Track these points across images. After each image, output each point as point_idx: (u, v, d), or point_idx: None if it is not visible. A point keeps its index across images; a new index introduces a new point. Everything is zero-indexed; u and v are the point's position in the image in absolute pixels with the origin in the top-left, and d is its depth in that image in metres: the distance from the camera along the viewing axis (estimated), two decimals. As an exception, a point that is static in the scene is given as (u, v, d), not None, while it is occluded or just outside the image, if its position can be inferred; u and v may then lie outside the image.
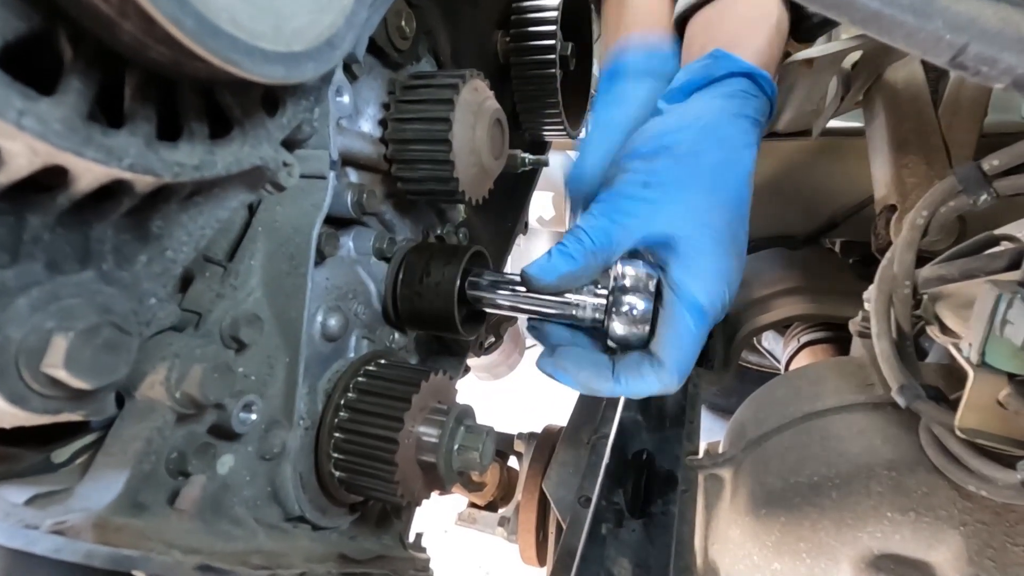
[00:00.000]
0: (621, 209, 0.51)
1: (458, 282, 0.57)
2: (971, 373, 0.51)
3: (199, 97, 0.28)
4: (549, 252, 0.52)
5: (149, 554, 0.34)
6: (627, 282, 0.52)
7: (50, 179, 0.24)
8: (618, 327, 0.53)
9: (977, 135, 0.92)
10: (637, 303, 0.52)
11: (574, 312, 0.55)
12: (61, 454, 0.38)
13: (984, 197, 0.60)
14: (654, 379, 0.49)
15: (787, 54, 1.02)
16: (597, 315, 0.54)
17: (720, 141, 0.50)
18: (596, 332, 0.57)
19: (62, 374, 0.26)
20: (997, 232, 0.60)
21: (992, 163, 0.59)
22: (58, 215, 0.26)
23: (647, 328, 0.52)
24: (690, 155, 0.50)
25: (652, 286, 0.52)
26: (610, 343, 0.54)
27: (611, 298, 0.53)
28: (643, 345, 0.53)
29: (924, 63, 0.95)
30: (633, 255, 0.54)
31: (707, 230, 0.49)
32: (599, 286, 0.55)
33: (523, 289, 0.56)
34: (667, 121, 0.53)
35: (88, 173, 0.23)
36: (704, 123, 0.50)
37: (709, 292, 0.49)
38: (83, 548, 0.32)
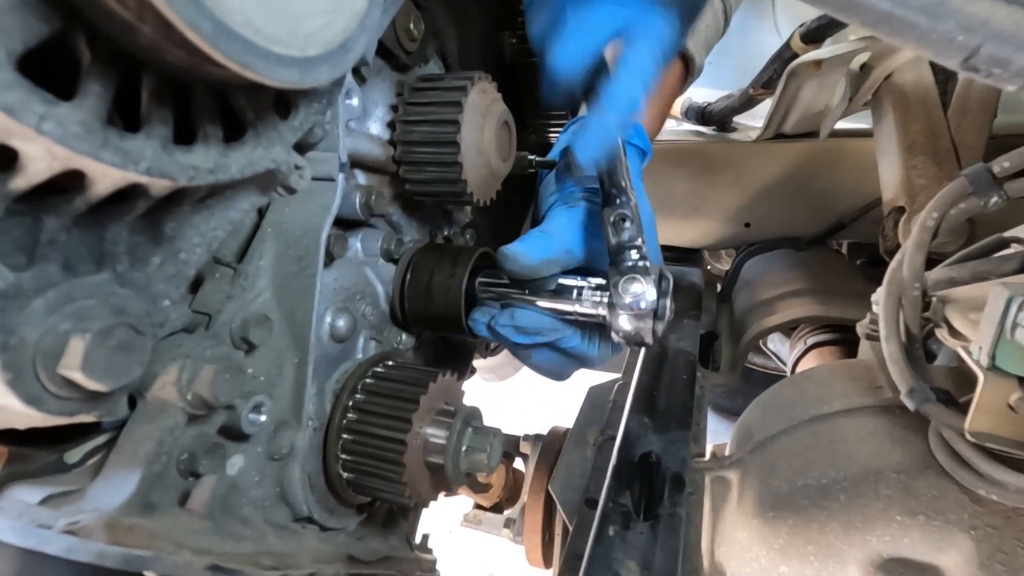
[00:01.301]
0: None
1: (465, 283, 0.58)
2: (981, 376, 0.51)
3: (213, 101, 0.28)
4: (530, 237, 0.56)
5: (160, 554, 0.34)
6: (629, 275, 0.50)
7: (67, 182, 0.24)
8: (624, 321, 0.49)
9: (987, 136, 0.91)
10: (644, 292, 0.49)
11: (576, 308, 0.53)
12: (74, 455, 0.38)
13: (994, 199, 0.60)
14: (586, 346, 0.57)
15: (794, 55, 1.02)
16: (600, 311, 0.52)
17: None
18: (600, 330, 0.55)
19: (78, 376, 0.26)
20: (1007, 234, 0.60)
21: (1003, 165, 0.59)
22: (74, 217, 0.27)
23: (651, 322, 0.49)
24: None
25: (656, 274, 0.49)
26: (615, 338, 0.51)
27: (612, 291, 0.50)
28: (651, 341, 0.50)
29: (933, 64, 0.94)
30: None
31: None
32: (601, 288, 0.53)
33: (529, 291, 0.56)
34: None
35: (105, 177, 0.23)
36: None
37: None
38: (95, 548, 0.32)
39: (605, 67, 0.53)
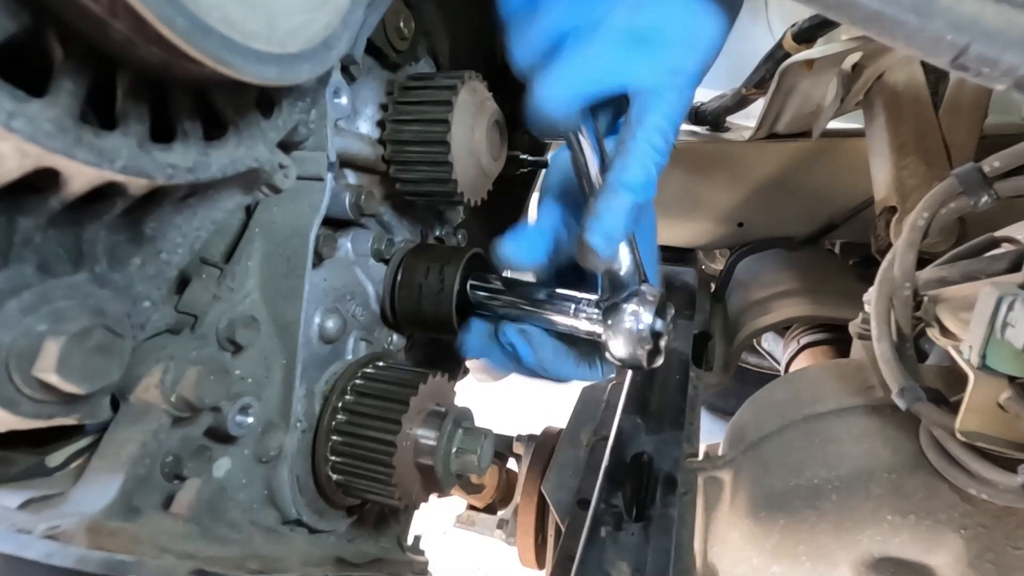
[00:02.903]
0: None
1: (457, 284, 0.57)
2: (971, 376, 0.51)
3: (192, 98, 0.27)
4: (525, 234, 0.52)
5: (143, 559, 0.33)
6: (629, 297, 0.48)
7: (42, 181, 0.23)
8: (619, 346, 0.47)
9: (977, 136, 0.92)
10: (642, 316, 0.47)
11: (571, 322, 0.53)
12: (55, 458, 0.38)
13: (984, 199, 0.60)
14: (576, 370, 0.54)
15: (786, 54, 1.02)
16: (597, 328, 0.50)
17: None
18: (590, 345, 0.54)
19: (54, 379, 0.25)
20: (998, 234, 0.60)
21: (993, 165, 0.59)
22: (50, 217, 0.26)
23: (649, 346, 0.47)
24: None
25: (657, 298, 0.48)
26: (610, 359, 0.50)
27: (610, 312, 0.48)
28: (647, 366, 0.49)
29: (924, 64, 0.95)
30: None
31: None
32: (601, 301, 0.51)
33: (523, 299, 0.55)
34: None
35: (80, 175, 0.23)
36: None
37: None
38: (76, 553, 0.31)
39: (608, 109, 0.48)
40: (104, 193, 0.25)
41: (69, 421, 0.31)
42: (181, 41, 0.20)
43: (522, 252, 0.51)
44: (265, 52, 0.24)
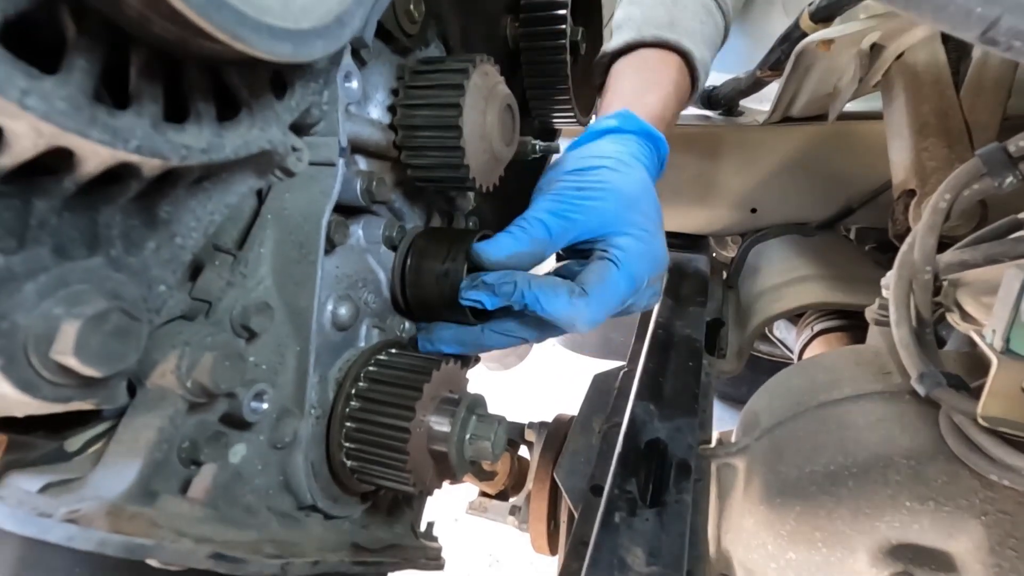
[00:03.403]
0: (562, 211, 0.60)
1: (466, 267, 0.57)
2: (994, 360, 0.50)
3: (206, 78, 0.27)
4: (500, 234, 0.59)
5: (161, 543, 0.34)
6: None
7: (56, 162, 0.23)
8: None
9: (1000, 117, 0.90)
10: None
11: None
12: (74, 443, 0.38)
13: (1010, 180, 0.58)
14: (568, 303, 0.55)
15: (803, 34, 0.99)
16: None
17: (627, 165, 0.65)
18: None
19: (72, 361, 0.25)
20: (1022, 216, 0.58)
21: (1019, 144, 0.57)
22: (65, 199, 0.26)
23: None
24: (612, 171, 0.63)
25: None
26: None
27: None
28: None
29: (945, 43, 0.92)
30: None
31: (634, 227, 0.60)
32: None
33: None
34: (589, 148, 0.67)
35: (94, 155, 0.23)
36: (617, 153, 0.65)
37: (639, 267, 0.59)
38: (96, 536, 0.32)
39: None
40: (118, 175, 0.25)
41: (87, 406, 0.31)
42: (195, 15, 0.20)
43: (503, 248, 0.57)
44: (279, 28, 0.23)
